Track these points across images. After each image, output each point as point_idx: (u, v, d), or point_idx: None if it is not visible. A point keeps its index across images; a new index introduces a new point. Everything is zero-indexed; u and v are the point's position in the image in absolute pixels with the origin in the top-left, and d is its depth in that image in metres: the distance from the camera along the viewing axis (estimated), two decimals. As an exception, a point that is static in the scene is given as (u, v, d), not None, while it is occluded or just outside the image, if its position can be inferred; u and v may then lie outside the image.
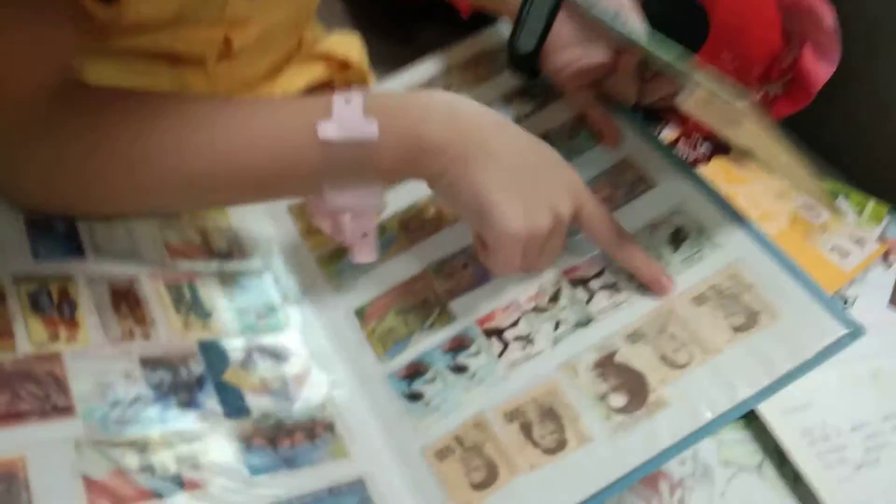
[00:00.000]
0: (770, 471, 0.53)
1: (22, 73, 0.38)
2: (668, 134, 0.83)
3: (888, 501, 0.52)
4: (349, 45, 0.62)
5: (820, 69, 0.77)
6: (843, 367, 0.59)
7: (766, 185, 0.81)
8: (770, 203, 0.78)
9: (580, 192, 0.43)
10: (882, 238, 0.77)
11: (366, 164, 0.41)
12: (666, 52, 0.43)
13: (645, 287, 0.44)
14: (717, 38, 0.79)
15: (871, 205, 0.81)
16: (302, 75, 0.60)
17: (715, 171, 0.80)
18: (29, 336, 0.37)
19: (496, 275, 0.46)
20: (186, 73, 0.51)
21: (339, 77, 0.62)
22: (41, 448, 0.33)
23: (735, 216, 0.46)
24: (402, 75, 0.58)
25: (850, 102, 0.90)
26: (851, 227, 0.77)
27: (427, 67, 0.58)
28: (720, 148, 0.84)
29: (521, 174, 0.41)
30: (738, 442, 0.53)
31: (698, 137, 0.85)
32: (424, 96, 0.42)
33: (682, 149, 0.82)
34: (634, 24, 0.49)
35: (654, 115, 0.85)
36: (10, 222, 0.41)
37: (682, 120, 0.85)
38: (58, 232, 0.42)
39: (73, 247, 0.42)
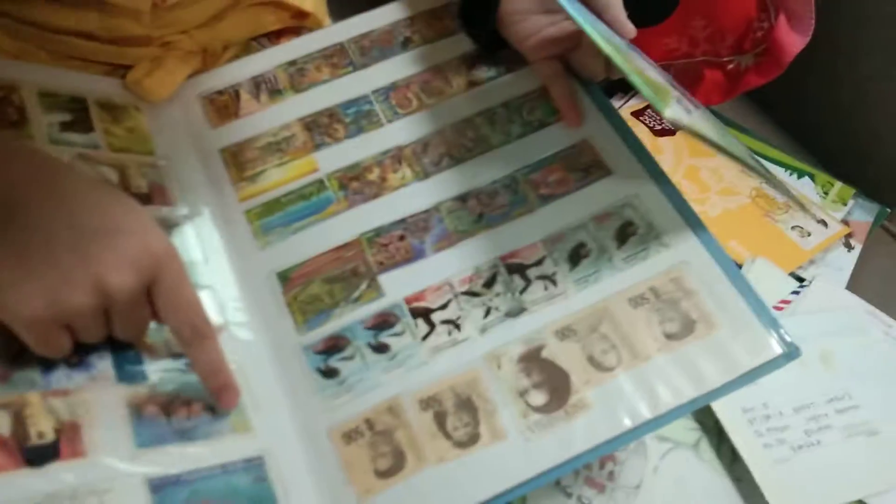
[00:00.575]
0: (707, 449, 0.53)
1: None
2: (634, 104, 0.80)
3: (825, 485, 0.51)
4: None
5: (794, 40, 0.74)
6: None
7: (731, 160, 0.79)
8: (733, 177, 0.76)
9: (155, 263, 0.35)
10: (845, 221, 0.76)
11: None
12: (603, 45, 0.39)
13: (584, 284, 0.42)
14: (690, 4, 0.75)
15: (838, 187, 0.80)
16: (248, 24, 0.55)
17: (679, 144, 0.77)
18: None
19: (37, 353, 0.35)
20: (118, 19, 0.46)
21: (292, 25, 0.57)
22: None
23: (690, 218, 0.43)
24: (361, 19, 0.53)
25: (828, 82, 0.87)
26: (815, 207, 0.75)
27: (389, 12, 0.53)
28: None
29: (56, 246, 0.33)
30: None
31: None
32: None
33: (648, 119, 0.79)
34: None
35: (621, 85, 0.82)
36: None
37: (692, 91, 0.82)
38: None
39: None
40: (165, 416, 0.36)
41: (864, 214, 0.77)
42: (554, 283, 0.42)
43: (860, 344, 0.62)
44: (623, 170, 0.45)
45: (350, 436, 0.39)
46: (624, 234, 0.43)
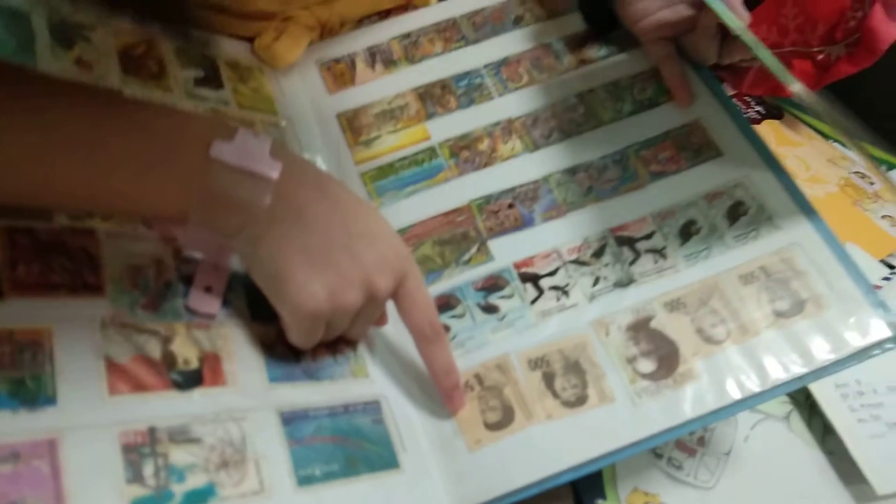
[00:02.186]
0: (798, 422, 0.53)
1: None
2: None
3: None
4: None
5: (889, 28, 0.72)
6: None
7: (819, 149, 0.79)
8: (821, 167, 0.76)
9: (404, 266, 0.38)
10: None
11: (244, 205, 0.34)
12: (731, 21, 0.39)
13: (694, 259, 0.43)
14: None
15: None
16: (364, 1, 0.55)
17: (766, 133, 0.77)
18: (66, 207, 0.36)
19: (297, 346, 0.38)
20: None
21: (403, 3, 0.59)
22: (68, 322, 0.33)
23: (801, 201, 0.43)
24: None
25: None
26: None
27: (501, -13, 0.55)
28: (773, 111, 0.81)
29: (334, 246, 0.36)
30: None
31: (751, 99, 0.82)
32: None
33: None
34: None
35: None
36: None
37: (738, 80, 0.81)
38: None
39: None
40: (294, 355, 0.38)
41: None
42: (664, 256, 0.43)
43: None
44: (734, 151, 0.46)
45: (465, 386, 0.41)
46: (735, 213, 0.44)
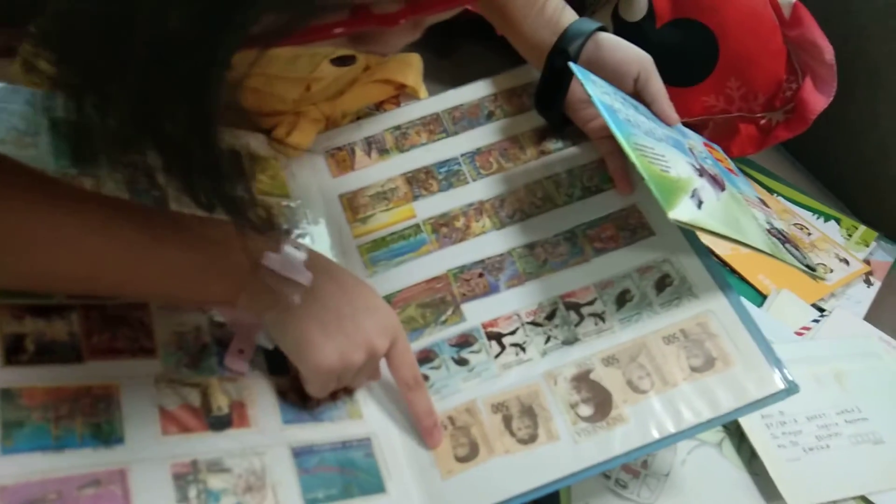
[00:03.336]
0: (729, 448, 0.62)
1: None
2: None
3: (831, 481, 0.60)
4: (408, 68, 0.69)
5: (818, 100, 0.84)
6: (811, 366, 0.70)
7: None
8: None
9: (395, 332, 0.48)
10: (867, 261, 0.85)
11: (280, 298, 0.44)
12: (625, 146, 0.48)
13: (627, 323, 0.52)
14: (726, 66, 0.85)
15: (862, 230, 0.89)
16: (362, 97, 0.67)
17: None
18: (126, 286, 0.46)
19: (314, 396, 0.48)
20: (270, 100, 0.60)
21: (395, 94, 0.70)
22: (130, 379, 0.43)
23: (717, 275, 0.53)
24: (454, 93, 0.65)
25: (853, 136, 0.96)
26: (838, 248, 0.84)
27: (476, 89, 0.66)
28: None
29: (343, 318, 0.46)
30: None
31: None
32: None
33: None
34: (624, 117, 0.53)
35: None
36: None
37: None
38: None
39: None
40: (301, 401, 0.48)
41: (885, 255, 0.86)
42: (603, 319, 0.53)
43: (872, 366, 0.71)
44: (664, 232, 0.56)
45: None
46: (662, 284, 0.54)
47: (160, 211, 0.44)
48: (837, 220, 0.89)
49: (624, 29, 0.86)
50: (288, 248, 0.44)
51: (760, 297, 0.76)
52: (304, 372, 0.46)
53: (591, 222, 0.57)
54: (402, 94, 0.70)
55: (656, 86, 0.57)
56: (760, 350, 0.50)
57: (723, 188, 0.55)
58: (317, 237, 0.58)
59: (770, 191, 0.91)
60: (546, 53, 0.58)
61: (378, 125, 0.64)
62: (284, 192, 0.59)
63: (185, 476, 0.41)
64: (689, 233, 0.55)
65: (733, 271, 0.78)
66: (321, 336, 0.45)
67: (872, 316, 0.78)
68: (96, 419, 0.40)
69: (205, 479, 0.41)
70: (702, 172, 0.54)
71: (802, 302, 0.76)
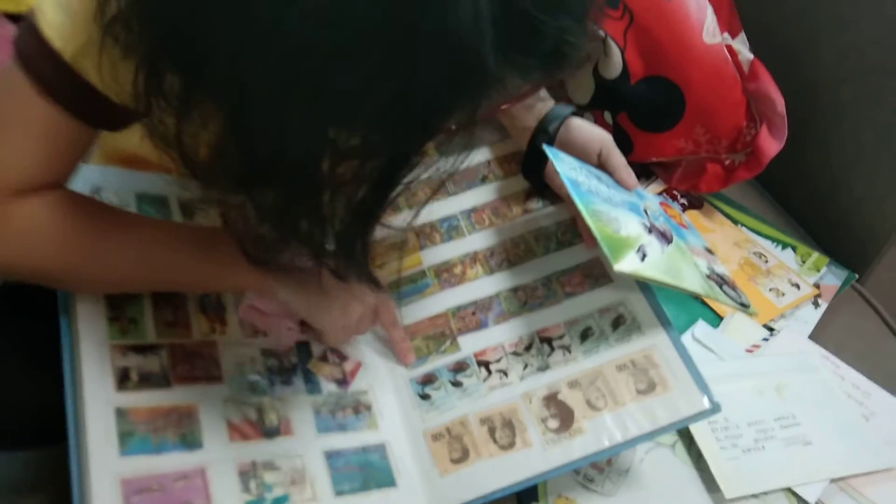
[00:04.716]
0: (681, 449, 0.74)
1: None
2: (655, 187, 1.03)
3: (763, 477, 0.72)
4: None
5: (772, 146, 0.95)
6: (755, 379, 0.82)
7: (727, 234, 1.02)
8: (727, 249, 0.98)
9: (375, 297, 0.66)
10: (818, 284, 0.96)
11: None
12: (589, 215, 0.62)
13: (588, 354, 0.66)
14: (692, 116, 0.97)
15: (815, 256, 1.01)
16: None
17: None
18: (199, 328, 0.60)
19: (331, 346, 0.66)
20: None
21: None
22: (205, 400, 0.57)
23: (661, 316, 0.66)
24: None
25: (810, 173, 1.08)
26: (792, 273, 0.96)
27: (478, 154, 0.79)
28: (695, 202, 1.04)
29: (337, 291, 0.62)
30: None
31: (678, 193, 1.04)
32: None
33: (666, 198, 1.01)
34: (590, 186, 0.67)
35: (645, 169, 1.05)
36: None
37: (668, 176, 1.04)
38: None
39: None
40: (331, 415, 0.62)
41: (833, 279, 0.97)
42: (569, 351, 0.66)
43: (810, 379, 0.82)
44: (619, 281, 0.69)
45: (436, 437, 0.64)
46: (617, 323, 0.67)
47: (206, 229, 0.62)
48: (794, 248, 1.01)
49: (603, 85, 0.98)
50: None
51: (718, 319, 0.88)
52: (321, 327, 0.62)
53: (563, 271, 0.71)
54: None
55: (616, 159, 0.70)
56: (692, 377, 0.63)
57: (670, 241, 0.68)
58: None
59: (735, 222, 1.03)
60: (530, 134, 0.72)
61: (392, 186, 0.78)
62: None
63: (247, 473, 0.55)
64: (642, 283, 0.68)
65: (696, 296, 0.90)
66: (326, 299, 0.62)
67: (817, 334, 0.89)
68: (182, 430, 0.55)
69: (261, 475, 0.55)
70: (651, 230, 0.67)
71: (754, 322, 0.88)
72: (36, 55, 0.49)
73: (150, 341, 0.58)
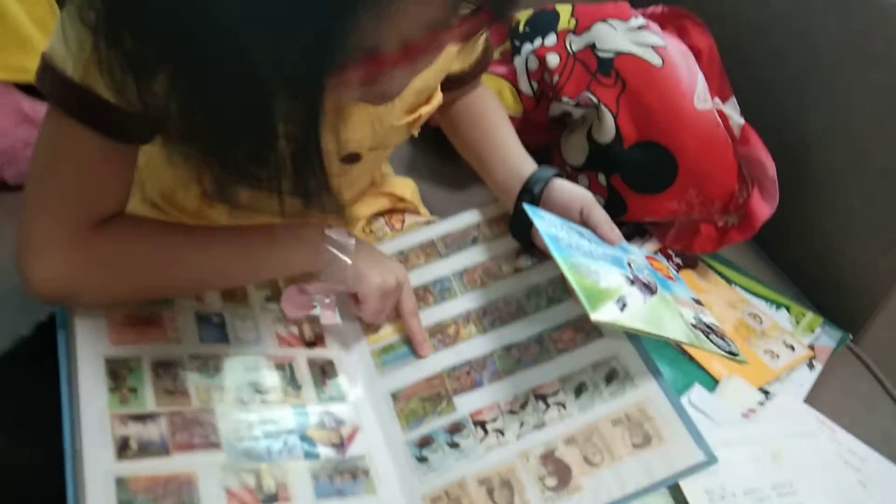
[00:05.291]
0: None
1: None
2: (650, 246, 1.05)
3: None
4: (405, 186, 0.88)
5: (764, 209, 0.98)
6: (751, 446, 0.81)
7: (722, 294, 1.03)
8: (722, 309, 0.99)
9: (405, 273, 0.74)
10: (811, 346, 0.97)
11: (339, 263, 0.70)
12: (568, 270, 0.65)
13: (583, 409, 0.66)
14: (684, 180, 0.99)
15: (809, 317, 1.01)
16: (371, 205, 0.85)
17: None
18: (197, 396, 0.61)
19: (369, 320, 0.74)
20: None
21: (399, 207, 0.87)
22: (204, 467, 0.57)
23: (654, 369, 0.67)
24: (446, 223, 0.82)
25: (803, 234, 1.10)
26: (787, 334, 0.97)
27: (464, 218, 0.82)
28: (689, 262, 1.05)
29: (377, 259, 0.72)
30: (659, 493, 0.72)
31: (672, 252, 1.06)
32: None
33: (661, 258, 1.03)
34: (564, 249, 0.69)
35: (640, 228, 1.07)
36: (186, 321, 0.66)
37: (662, 235, 1.06)
38: (213, 323, 0.67)
39: (223, 335, 0.67)
40: (330, 480, 0.62)
41: (828, 340, 0.98)
42: (564, 407, 0.67)
43: (807, 445, 0.82)
44: (610, 334, 0.70)
45: (434, 500, 0.64)
46: (611, 377, 0.68)
47: (257, 226, 0.69)
48: (788, 308, 1.02)
49: (597, 149, 1.02)
50: (337, 233, 0.71)
51: (714, 382, 0.89)
52: (361, 294, 0.70)
53: (554, 327, 0.72)
54: (406, 208, 0.87)
55: (597, 215, 0.73)
56: (687, 429, 0.64)
57: (653, 292, 0.70)
58: (341, 343, 0.73)
59: (729, 281, 1.05)
60: (515, 196, 0.74)
61: (387, 249, 0.80)
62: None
63: (247, 540, 0.55)
64: (633, 336, 0.70)
65: (692, 359, 0.91)
66: (367, 269, 0.70)
67: (813, 397, 0.89)
68: (182, 499, 0.55)
69: (260, 542, 0.55)
70: (634, 281, 0.69)
71: (750, 386, 0.89)
72: (56, 86, 0.55)
73: (150, 410, 0.58)
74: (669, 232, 1.07)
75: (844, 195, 1.04)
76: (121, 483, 0.53)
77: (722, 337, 0.72)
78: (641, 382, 0.67)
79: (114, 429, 0.56)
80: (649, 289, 0.69)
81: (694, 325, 0.70)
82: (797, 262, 1.11)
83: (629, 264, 0.72)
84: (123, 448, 0.55)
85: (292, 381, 0.67)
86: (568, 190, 0.74)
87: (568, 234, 0.68)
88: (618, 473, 0.63)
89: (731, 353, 0.70)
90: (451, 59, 0.74)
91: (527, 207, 0.70)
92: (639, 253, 0.77)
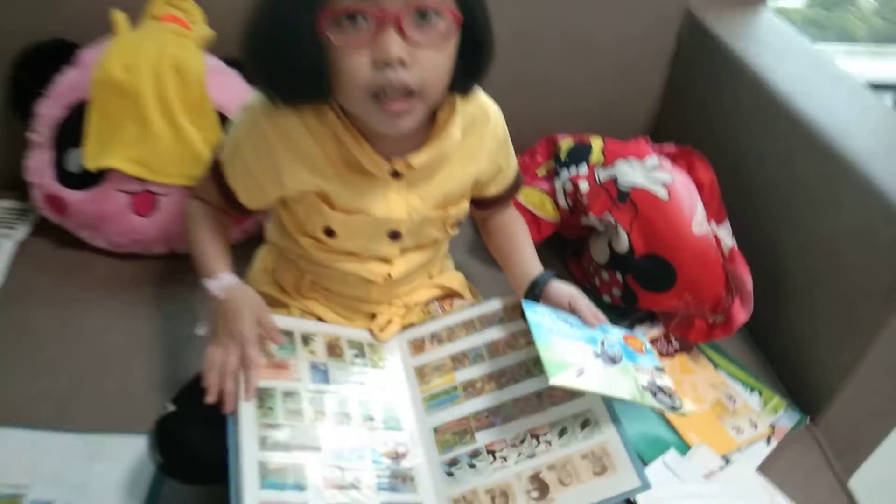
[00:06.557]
0: None
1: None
2: (654, 332, 1.31)
3: None
4: (454, 279, 1.20)
5: (741, 315, 1.24)
6: (704, 500, 1.04)
7: (707, 376, 1.27)
8: (704, 390, 1.23)
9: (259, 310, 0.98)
10: (772, 425, 1.18)
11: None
12: (544, 350, 0.94)
13: (563, 446, 0.95)
14: (682, 285, 1.26)
15: (775, 400, 1.23)
16: (427, 294, 1.17)
17: (674, 363, 1.26)
18: (308, 416, 0.95)
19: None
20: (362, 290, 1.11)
21: (448, 293, 1.19)
22: (310, 461, 0.90)
23: (616, 420, 0.95)
24: (482, 306, 1.14)
25: (777, 331, 1.33)
26: (753, 413, 1.19)
27: (494, 303, 1.13)
28: (685, 346, 1.30)
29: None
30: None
31: (673, 336, 1.31)
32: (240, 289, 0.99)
33: (662, 342, 1.29)
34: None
35: (652, 315, 1.33)
36: (303, 366, 1.01)
37: (667, 323, 1.32)
38: (320, 370, 1.01)
39: (326, 378, 1.01)
40: (387, 481, 0.94)
41: (787, 421, 1.20)
42: (550, 444, 0.96)
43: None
44: (589, 395, 0.99)
45: (455, 501, 0.94)
46: (584, 424, 0.97)
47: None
48: (760, 392, 1.24)
49: (615, 255, 1.31)
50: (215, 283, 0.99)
51: (686, 447, 1.12)
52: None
53: (550, 386, 1.01)
54: (455, 295, 1.20)
55: (579, 305, 1.03)
56: (632, 463, 0.92)
57: (615, 363, 0.98)
58: (399, 392, 1.06)
59: (716, 366, 1.28)
60: (524, 291, 1.06)
61: (438, 325, 1.13)
62: (383, 365, 1.08)
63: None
64: (605, 398, 0.98)
65: (674, 430, 1.14)
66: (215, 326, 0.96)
67: (765, 467, 1.11)
68: (297, 481, 0.88)
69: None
70: (599, 355, 0.98)
71: (714, 453, 1.11)
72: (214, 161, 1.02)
73: (279, 422, 0.92)
74: (672, 321, 1.33)
75: (812, 305, 1.27)
76: (262, 465, 0.87)
77: (670, 395, 0.99)
78: (606, 429, 0.95)
79: (259, 431, 0.90)
80: (613, 360, 0.98)
81: (644, 387, 0.97)
82: (775, 354, 1.34)
83: (602, 342, 1.00)
84: (263, 443, 0.90)
85: (368, 413, 1.00)
86: (559, 288, 1.05)
87: (553, 321, 0.99)
88: (581, 491, 0.91)
89: (672, 407, 0.97)
90: (473, 174, 1.04)
91: (524, 303, 1.02)
92: (617, 333, 1.06)
